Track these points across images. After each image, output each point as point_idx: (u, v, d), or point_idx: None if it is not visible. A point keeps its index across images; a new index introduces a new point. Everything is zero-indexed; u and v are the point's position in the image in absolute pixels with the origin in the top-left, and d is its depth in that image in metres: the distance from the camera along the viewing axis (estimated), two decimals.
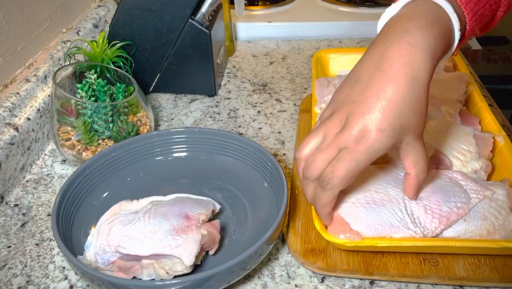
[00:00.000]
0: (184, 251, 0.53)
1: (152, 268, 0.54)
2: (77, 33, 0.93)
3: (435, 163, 0.62)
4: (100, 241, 0.56)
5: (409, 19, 0.48)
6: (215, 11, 0.93)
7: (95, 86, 0.74)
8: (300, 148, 0.52)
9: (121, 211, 0.59)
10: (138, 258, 0.54)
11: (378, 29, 0.52)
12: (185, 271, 0.54)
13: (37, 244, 0.64)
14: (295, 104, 0.90)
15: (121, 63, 0.85)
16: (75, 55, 0.84)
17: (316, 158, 0.50)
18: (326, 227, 0.55)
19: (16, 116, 0.74)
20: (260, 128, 0.84)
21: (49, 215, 0.68)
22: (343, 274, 0.56)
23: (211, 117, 0.88)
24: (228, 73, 1.02)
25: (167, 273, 0.54)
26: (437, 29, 0.47)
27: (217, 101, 0.92)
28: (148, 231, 0.55)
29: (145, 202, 0.61)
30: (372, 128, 0.46)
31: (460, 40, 0.51)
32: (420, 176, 0.51)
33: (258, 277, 0.58)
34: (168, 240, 0.54)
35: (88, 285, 0.58)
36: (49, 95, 0.79)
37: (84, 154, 0.73)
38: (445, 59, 0.51)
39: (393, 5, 0.52)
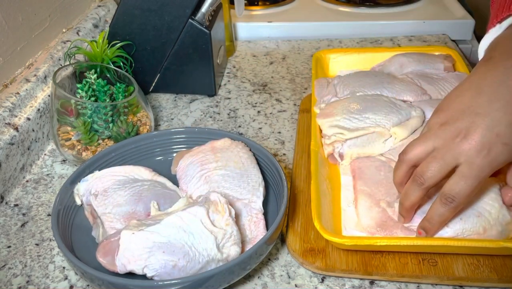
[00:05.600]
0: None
1: (99, 229, 0.59)
2: (77, 33, 0.93)
3: None
4: (94, 183, 0.62)
5: None
6: (215, 11, 0.93)
7: (95, 86, 0.74)
8: (406, 151, 0.51)
9: (132, 172, 0.64)
10: (95, 216, 0.59)
11: (482, 47, 0.53)
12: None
13: (37, 244, 0.64)
14: (295, 104, 0.90)
15: (121, 63, 0.85)
16: (75, 55, 0.84)
17: (431, 165, 0.48)
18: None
19: (16, 116, 0.74)
20: (260, 128, 0.85)
21: (49, 215, 0.68)
22: (342, 274, 0.56)
23: (211, 117, 0.88)
24: (228, 73, 1.02)
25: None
26: None
27: (217, 101, 0.92)
28: (116, 201, 0.59)
29: (156, 178, 0.65)
30: (498, 141, 0.45)
31: None
32: None
33: (258, 277, 0.58)
34: (116, 219, 0.58)
35: (88, 285, 0.58)
36: (49, 95, 0.79)
37: (84, 154, 0.73)
38: None
39: (499, 24, 0.52)
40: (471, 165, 0.46)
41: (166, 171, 0.70)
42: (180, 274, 0.51)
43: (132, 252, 0.51)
